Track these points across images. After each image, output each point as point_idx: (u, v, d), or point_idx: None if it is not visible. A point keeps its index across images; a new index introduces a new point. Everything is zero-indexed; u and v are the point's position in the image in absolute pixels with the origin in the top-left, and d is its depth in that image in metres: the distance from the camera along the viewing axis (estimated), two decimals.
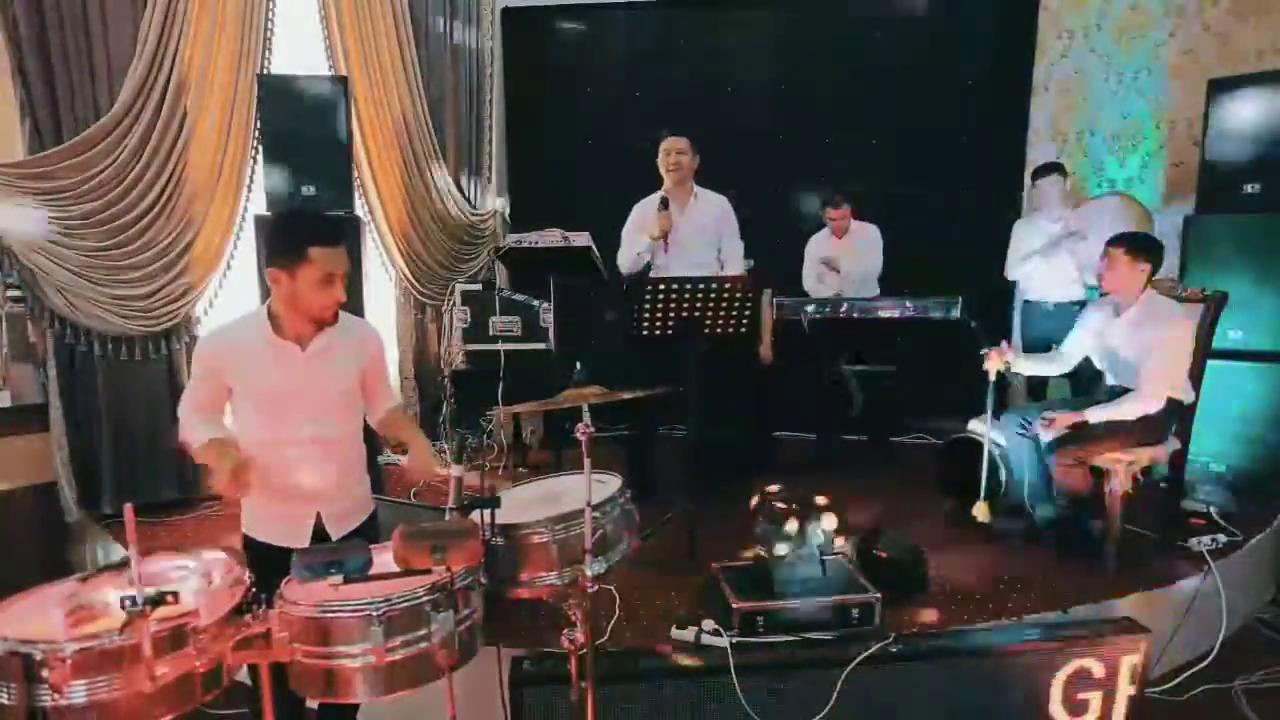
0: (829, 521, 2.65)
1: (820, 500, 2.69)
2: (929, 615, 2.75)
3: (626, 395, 2.07)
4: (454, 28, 5.15)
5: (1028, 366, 3.50)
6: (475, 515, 1.80)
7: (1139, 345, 3.11)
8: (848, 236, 4.80)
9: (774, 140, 5.40)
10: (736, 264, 3.95)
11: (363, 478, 2.23)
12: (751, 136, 5.36)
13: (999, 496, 3.47)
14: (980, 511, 3.45)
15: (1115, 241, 3.18)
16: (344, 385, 2.10)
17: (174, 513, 3.86)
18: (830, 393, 4.72)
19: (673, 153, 3.79)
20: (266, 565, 1.65)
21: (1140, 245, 3.14)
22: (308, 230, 2.01)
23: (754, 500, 2.79)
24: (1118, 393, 3.19)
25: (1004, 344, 3.32)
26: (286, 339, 2.02)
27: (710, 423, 3.33)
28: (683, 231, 3.85)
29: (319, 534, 2.07)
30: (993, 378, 3.31)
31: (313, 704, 1.96)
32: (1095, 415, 3.11)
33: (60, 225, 3.45)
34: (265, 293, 3.74)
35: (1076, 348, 3.42)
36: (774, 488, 2.78)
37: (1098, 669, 2.50)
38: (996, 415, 3.43)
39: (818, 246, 4.90)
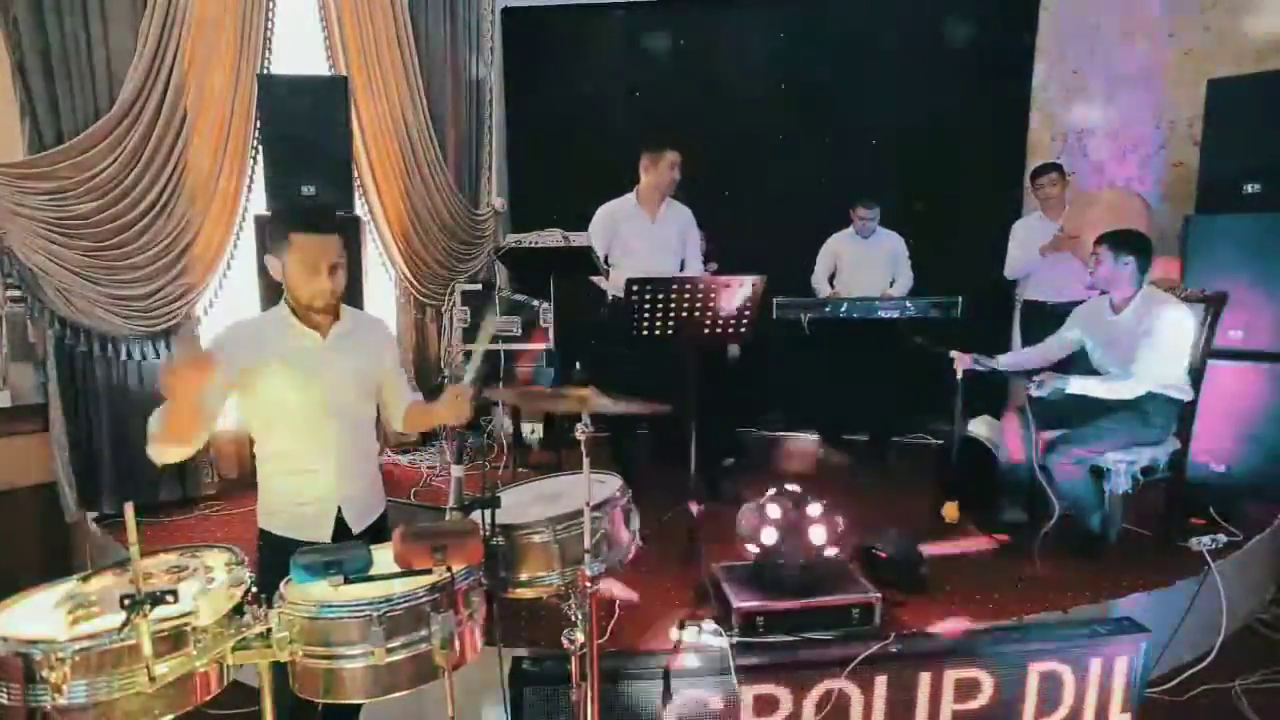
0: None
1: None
2: (929, 615, 2.75)
3: (636, 408, 2.06)
4: (454, 27, 5.15)
5: (1008, 362, 3.51)
6: (475, 515, 1.80)
7: (1137, 337, 3.11)
8: (873, 239, 4.79)
9: (773, 140, 5.40)
10: (695, 271, 4.08)
11: (376, 475, 2.24)
12: (751, 136, 5.36)
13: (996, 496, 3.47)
14: (949, 512, 3.47)
15: (1098, 240, 3.22)
16: (363, 374, 2.13)
17: (174, 513, 3.86)
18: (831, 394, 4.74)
19: (677, 166, 3.90)
20: (284, 561, 1.63)
21: (1119, 239, 3.17)
22: (293, 216, 2.03)
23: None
24: None
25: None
26: (307, 326, 2.04)
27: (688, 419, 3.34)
28: (654, 238, 3.96)
29: (340, 527, 2.07)
30: (960, 376, 3.34)
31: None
32: (1078, 383, 3.11)
33: (60, 225, 3.45)
34: (265, 292, 3.76)
35: (1064, 341, 3.43)
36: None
37: (1097, 669, 2.50)
38: (971, 416, 3.46)
39: (838, 247, 4.88)
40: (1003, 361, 3.45)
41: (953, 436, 3.50)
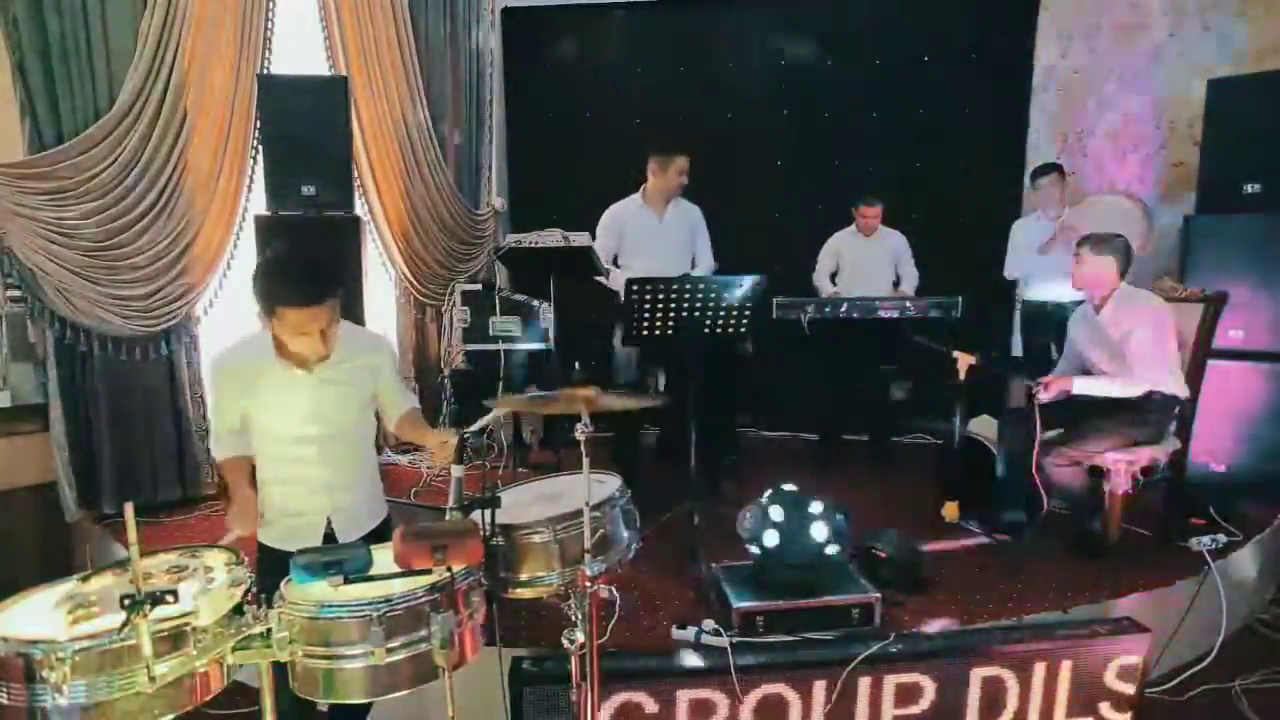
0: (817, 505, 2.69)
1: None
2: (928, 615, 2.75)
3: (632, 402, 2.07)
4: (454, 27, 5.15)
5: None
6: (475, 515, 1.80)
7: (1119, 333, 3.15)
8: (875, 237, 4.78)
9: (773, 140, 5.40)
10: (710, 268, 4.12)
11: (375, 484, 2.23)
12: (751, 137, 5.36)
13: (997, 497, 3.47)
14: (949, 512, 3.47)
15: (1080, 241, 3.28)
16: (352, 401, 2.10)
17: (174, 513, 3.86)
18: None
19: (685, 172, 3.96)
20: (279, 570, 1.65)
21: (1100, 240, 3.22)
22: (281, 290, 1.89)
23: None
24: None
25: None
26: (291, 363, 2.01)
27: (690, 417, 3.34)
28: (661, 237, 3.99)
29: (330, 540, 2.07)
30: (963, 377, 3.35)
31: (324, 705, 1.96)
32: (1081, 385, 3.14)
33: (60, 225, 3.45)
34: None
35: (1071, 364, 3.44)
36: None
37: (1098, 669, 2.50)
38: (971, 415, 3.46)
39: (840, 245, 4.86)
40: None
41: (953, 436, 3.50)
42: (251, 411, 2.04)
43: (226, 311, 4.06)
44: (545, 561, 1.84)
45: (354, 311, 2.24)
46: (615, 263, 4.04)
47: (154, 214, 3.71)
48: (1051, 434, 3.25)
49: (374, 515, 2.20)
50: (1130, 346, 3.10)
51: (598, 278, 3.99)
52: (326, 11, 4.49)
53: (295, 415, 2.01)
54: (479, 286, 4.70)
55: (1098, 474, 3.17)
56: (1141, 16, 4.98)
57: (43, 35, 3.39)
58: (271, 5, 4.14)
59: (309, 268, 1.92)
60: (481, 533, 1.71)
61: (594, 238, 4.15)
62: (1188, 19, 4.85)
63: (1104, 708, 2.53)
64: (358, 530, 2.12)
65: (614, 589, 2.55)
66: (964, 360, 3.37)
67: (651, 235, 4.00)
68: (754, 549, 2.68)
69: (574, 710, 1.93)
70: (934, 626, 2.66)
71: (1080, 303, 3.59)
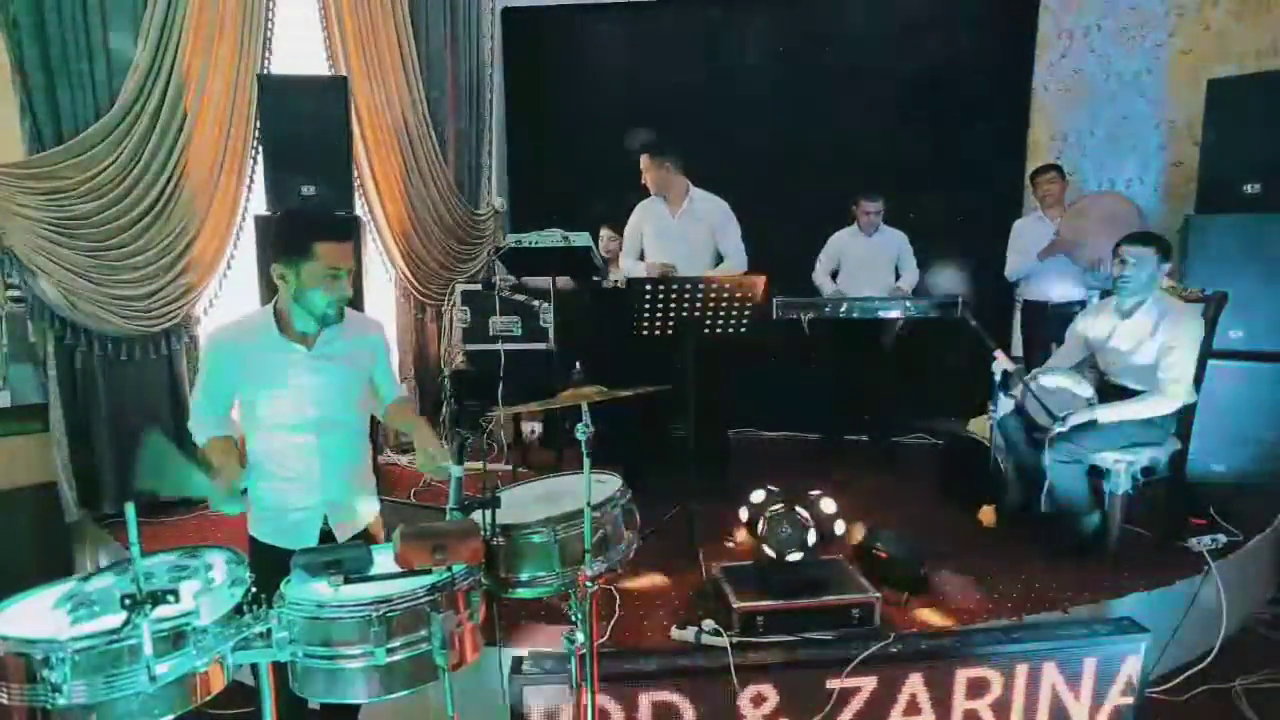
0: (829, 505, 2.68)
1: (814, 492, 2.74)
2: (929, 615, 2.75)
3: (625, 393, 2.07)
4: (454, 27, 5.15)
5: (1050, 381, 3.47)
6: (475, 515, 1.80)
7: (1153, 345, 3.08)
8: (877, 236, 4.76)
9: (773, 140, 5.40)
10: (739, 263, 3.98)
11: (368, 479, 2.23)
12: (750, 136, 5.36)
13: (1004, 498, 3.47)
14: (986, 515, 3.44)
15: (1144, 241, 3.10)
16: (350, 384, 2.09)
17: (174, 513, 3.85)
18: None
19: (648, 170, 3.96)
20: (271, 567, 1.64)
21: (1167, 246, 3.10)
22: (314, 225, 1.97)
23: (746, 511, 2.80)
24: (1127, 393, 3.17)
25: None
26: (292, 339, 2.01)
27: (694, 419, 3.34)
28: (673, 233, 3.96)
29: (325, 536, 2.07)
30: (998, 378, 3.33)
31: (314, 704, 1.96)
32: (1106, 414, 3.09)
33: (60, 225, 3.45)
34: (265, 292, 3.75)
35: (1069, 358, 3.39)
36: (760, 495, 2.79)
37: (1098, 669, 2.50)
38: (978, 414, 3.46)
39: (842, 244, 4.85)
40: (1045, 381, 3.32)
41: (991, 435, 3.44)
42: (247, 395, 2.01)
43: (227, 312, 4.06)
44: (545, 561, 1.84)
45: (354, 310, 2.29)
46: (642, 258, 4.02)
47: (154, 214, 3.71)
48: (1055, 432, 3.23)
49: (368, 511, 2.20)
50: (1171, 362, 3.04)
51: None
52: (326, 11, 4.49)
53: (294, 397, 1.99)
54: (479, 286, 4.70)
55: (1098, 474, 3.17)
56: (1141, 16, 4.99)
57: (43, 35, 3.38)
58: (271, 5, 4.14)
59: (327, 211, 1.95)
60: (481, 533, 1.71)
61: (594, 237, 4.14)
62: (1188, 19, 4.85)
63: (1104, 708, 2.52)
64: (353, 527, 2.12)
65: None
66: (1001, 362, 3.31)
67: (663, 231, 3.98)
68: (769, 551, 2.66)
69: (574, 710, 1.93)
70: (934, 627, 2.66)
71: (1082, 303, 3.58)
